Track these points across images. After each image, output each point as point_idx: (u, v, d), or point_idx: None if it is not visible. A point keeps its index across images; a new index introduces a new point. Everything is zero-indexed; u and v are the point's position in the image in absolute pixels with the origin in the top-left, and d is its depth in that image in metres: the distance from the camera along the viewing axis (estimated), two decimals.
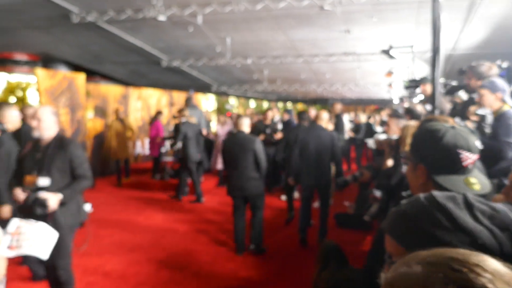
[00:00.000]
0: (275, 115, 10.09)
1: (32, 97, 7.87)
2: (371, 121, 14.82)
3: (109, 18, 10.70)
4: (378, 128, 10.57)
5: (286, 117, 10.64)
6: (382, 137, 4.23)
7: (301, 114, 7.37)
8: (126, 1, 10.03)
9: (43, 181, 2.95)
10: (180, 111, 8.37)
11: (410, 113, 4.04)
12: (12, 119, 4.14)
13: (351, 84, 20.40)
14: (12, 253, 2.29)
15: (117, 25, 12.09)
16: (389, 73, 13.42)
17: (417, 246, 0.95)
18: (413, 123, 3.24)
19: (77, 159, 3.19)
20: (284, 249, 5.32)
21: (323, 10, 8.77)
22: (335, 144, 5.44)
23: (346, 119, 17.66)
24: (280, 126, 9.49)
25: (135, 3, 10.11)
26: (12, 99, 7.53)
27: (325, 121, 5.66)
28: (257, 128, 9.09)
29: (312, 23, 11.09)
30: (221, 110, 16.66)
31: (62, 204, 2.98)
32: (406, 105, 6.83)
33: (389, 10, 9.42)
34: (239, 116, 5.52)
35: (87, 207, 3.37)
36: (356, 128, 10.84)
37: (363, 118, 15.93)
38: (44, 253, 2.43)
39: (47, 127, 3.16)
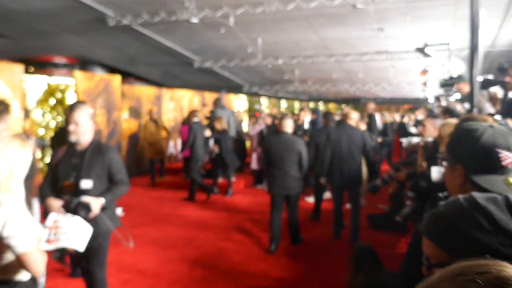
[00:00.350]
0: (307, 116, 10.03)
1: (71, 99, 8.12)
2: (405, 120, 14.52)
3: (143, 21, 10.94)
4: (412, 129, 10.32)
5: (313, 117, 10.57)
6: (415, 140, 4.15)
7: (328, 115, 7.31)
8: (160, 4, 10.23)
9: (86, 183, 2.90)
10: (192, 111, 8.44)
11: (450, 112, 3.92)
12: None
13: (384, 83, 20.06)
14: (50, 247, 2.37)
15: (151, 28, 12.34)
16: (424, 72, 13.12)
17: (457, 249, 0.93)
18: (452, 121, 3.14)
19: (116, 165, 3.13)
20: (316, 250, 5.29)
21: (355, 9, 8.66)
22: (367, 143, 5.44)
23: (379, 118, 17.45)
24: (307, 126, 9.44)
25: (169, 6, 10.29)
26: (52, 101, 7.79)
27: (355, 121, 5.64)
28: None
29: (344, 22, 10.97)
30: (252, 111, 16.71)
31: (103, 209, 2.93)
32: (443, 104, 6.64)
33: (424, 7, 9.20)
34: (282, 117, 5.61)
35: (118, 210, 3.37)
36: (384, 129, 10.58)
37: (390, 117, 15.66)
38: (80, 246, 2.49)
39: (85, 131, 3.07)
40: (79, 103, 4.37)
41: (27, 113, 6.77)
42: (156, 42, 13.73)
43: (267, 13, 9.57)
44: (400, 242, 5.51)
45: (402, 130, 12.54)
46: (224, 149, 8.16)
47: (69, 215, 2.60)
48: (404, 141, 4.49)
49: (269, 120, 8.95)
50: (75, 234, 2.46)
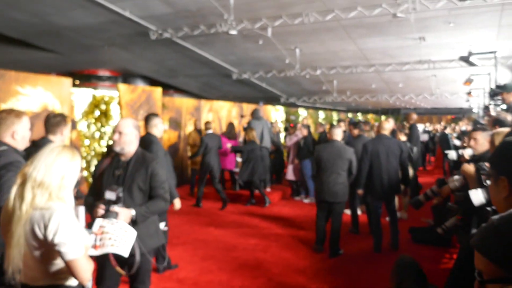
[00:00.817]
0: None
1: (114, 111, 8.41)
2: (448, 131, 14.07)
3: (183, 34, 11.22)
4: (456, 141, 9.97)
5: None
6: (468, 152, 4.00)
7: (359, 125, 7.30)
8: (200, 17, 10.47)
9: (110, 195, 2.74)
10: (206, 123, 8.60)
11: (499, 123, 3.77)
12: (159, 128, 4.50)
13: (426, 93, 19.59)
14: (96, 252, 2.42)
15: (190, 41, 12.64)
16: (468, 81, 12.70)
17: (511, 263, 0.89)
18: (504, 130, 3.02)
19: (157, 178, 2.95)
20: (355, 263, 5.18)
21: (395, 18, 8.53)
22: (403, 152, 5.50)
23: (421, 129, 17.00)
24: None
25: (208, 19, 10.52)
26: (96, 113, 8.09)
27: (388, 130, 5.74)
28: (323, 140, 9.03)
29: (384, 31, 10.83)
30: (289, 122, 16.70)
31: (134, 222, 2.76)
32: (492, 114, 6.40)
33: (468, 15, 8.95)
34: (332, 126, 5.88)
35: (162, 225, 3.33)
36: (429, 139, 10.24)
37: (426, 127, 15.21)
38: (125, 251, 2.52)
39: (129, 141, 2.95)
40: (152, 115, 4.56)
41: (74, 125, 7.05)
42: (196, 54, 14.03)
43: (305, 23, 9.59)
44: (444, 257, 5.32)
45: (445, 141, 12.16)
46: (248, 159, 8.24)
47: (114, 220, 2.60)
48: (452, 153, 4.35)
49: (305, 131, 8.93)
50: (120, 239, 2.50)
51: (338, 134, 5.45)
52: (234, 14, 9.48)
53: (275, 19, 9.82)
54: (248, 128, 8.68)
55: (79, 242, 1.82)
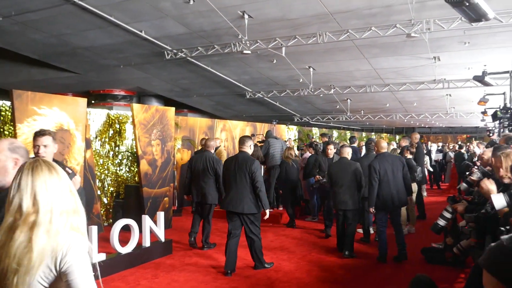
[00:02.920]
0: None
1: (128, 130, 8.47)
2: (463, 150, 13.85)
3: (197, 54, 11.36)
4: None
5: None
6: (477, 175, 3.95)
7: (368, 144, 7.50)
8: (214, 37, 10.62)
9: None
10: (202, 140, 8.60)
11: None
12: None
13: (441, 112, 19.45)
14: None
15: (204, 60, 12.80)
16: (483, 101, 12.56)
17: None
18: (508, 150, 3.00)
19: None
20: (366, 277, 5.05)
21: (409, 38, 8.52)
22: (405, 166, 5.96)
23: (434, 148, 16.79)
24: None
25: (223, 39, 10.66)
26: (110, 132, 8.16)
27: (386, 148, 6.23)
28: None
29: (398, 51, 10.84)
30: (303, 141, 16.65)
31: None
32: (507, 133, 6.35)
33: (483, 35, 8.91)
34: (342, 146, 6.66)
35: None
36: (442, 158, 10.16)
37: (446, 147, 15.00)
38: None
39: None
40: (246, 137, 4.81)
41: (88, 144, 7.11)
42: (210, 73, 14.19)
43: (319, 43, 9.65)
44: (459, 277, 5.17)
45: (460, 160, 11.99)
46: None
47: None
48: (463, 186, 4.41)
49: (311, 150, 8.93)
50: None
51: (347, 152, 6.25)
52: (248, 34, 9.58)
53: (289, 39, 9.90)
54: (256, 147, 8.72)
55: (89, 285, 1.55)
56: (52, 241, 1.48)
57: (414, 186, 7.23)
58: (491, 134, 9.96)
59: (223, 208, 5.34)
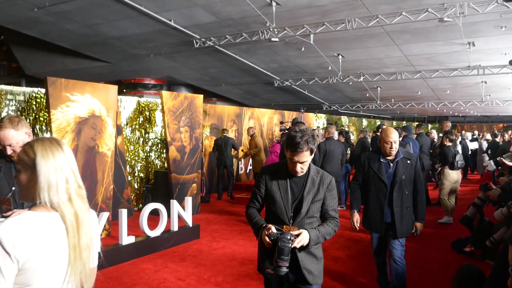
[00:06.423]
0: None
1: (157, 117, 8.62)
2: (498, 139, 13.33)
3: (226, 42, 11.39)
4: None
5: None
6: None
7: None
8: (242, 25, 10.61)
9: None
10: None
11: None
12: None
13: (475, 100, 18.82)
14: None
15: (233, 49, 12.82)
16: None
17: None
18: None
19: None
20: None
21: (442, 23, 8.27)
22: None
23: (469, 137, 16.25)
24: None
25: (251, 27, 10.64)
26: (140, 119, 8.33)
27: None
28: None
29: (430, 37, 10.53)
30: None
31: None
32: None
33: None
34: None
35: None
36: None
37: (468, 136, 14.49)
38: None
39: None
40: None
41: (119, 130, 7.28)
42: (238, 61, 14.20)
43: (348, 30, 9.48)
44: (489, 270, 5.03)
45: (495, 150, 11.58)
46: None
47: None
48: (491, 164, 4.21)
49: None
50: None
51: None
52: (276, 22, 9.52)
53: (317, 26, 9.78)
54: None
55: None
56: None
57: (458, 174, 6.94)
58: None
59: None
